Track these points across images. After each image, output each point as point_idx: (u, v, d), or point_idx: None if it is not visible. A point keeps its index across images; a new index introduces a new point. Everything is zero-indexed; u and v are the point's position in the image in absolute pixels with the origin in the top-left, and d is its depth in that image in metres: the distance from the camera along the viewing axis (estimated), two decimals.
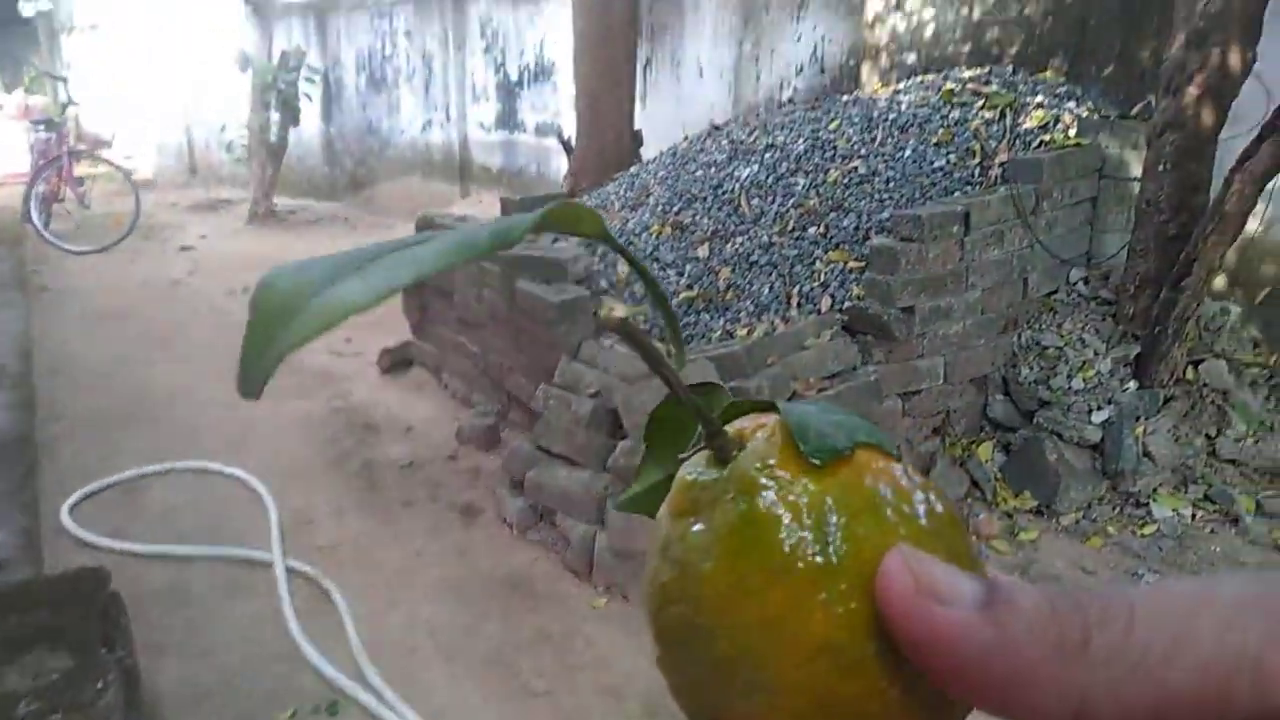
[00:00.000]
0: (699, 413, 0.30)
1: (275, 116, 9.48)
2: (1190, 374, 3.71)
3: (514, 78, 8.04)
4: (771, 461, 0.28)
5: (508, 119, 8.21)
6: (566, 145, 5.77)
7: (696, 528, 0.28)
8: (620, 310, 0.29)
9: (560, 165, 6.28)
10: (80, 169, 9.08)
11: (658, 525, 0.30)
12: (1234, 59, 3.42)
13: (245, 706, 2.48)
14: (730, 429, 0.31)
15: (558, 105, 7.50)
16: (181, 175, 13.05)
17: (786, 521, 0.27)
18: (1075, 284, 4.02)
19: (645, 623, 0.30)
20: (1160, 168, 3.57)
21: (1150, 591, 0.24)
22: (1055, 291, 3.99)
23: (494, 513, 3.43)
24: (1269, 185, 3.36)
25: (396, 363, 4.97)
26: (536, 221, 0.26)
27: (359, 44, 9.96)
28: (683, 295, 3.96)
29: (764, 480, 0.28)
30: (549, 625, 2.79)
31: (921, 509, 0.28)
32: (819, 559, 0.26)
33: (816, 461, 0.28)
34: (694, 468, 0.30)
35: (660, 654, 0.29)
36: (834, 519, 0.27)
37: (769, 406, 0.32)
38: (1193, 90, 3.47)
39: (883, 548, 0.26)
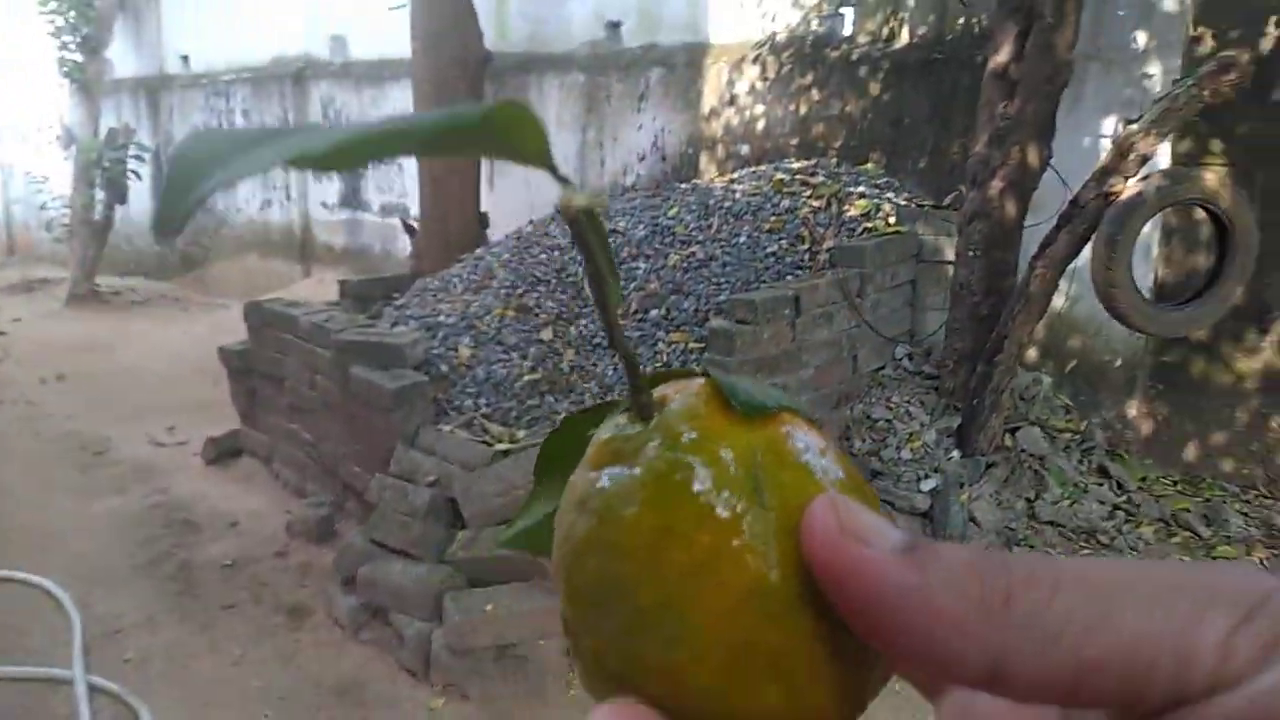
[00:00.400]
0: (628, 360, 0.28)
1: (100, 194, 9.03)
2: (1009, 440, 3.92)
3: None
4: (700, 414, 0.27)
5: (352, 198, 8.08)
6: (410, 228, 5.70)
7: (619, 472, 0.27)
8: (581, 199, 0.26)
9: (406, 244, 6.20)
10: None
11: (571, 486, 0.28)
12: (1032, 155, 3.72)
13: None
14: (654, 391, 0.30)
15: (404, 185, 7.44)
16: None
17: (715, 468, 0.26)
18: (900, 360, 4.21)
19: (555, 586, 0.28)
20: (971, 253, 3.81)
21: (1079, 563, 0.23)
22: (883, 367, 4.17)
23: (324, 613, 3.25)
24: (1071, 266, 3.64)
25: (223, 453, 4.70)
26: (485, 113, 0.23)
27: (193, 121, 9.66)
28: (526, 378, 3.93)
29: (691, 431, 0.27)
30: None
31: (841, 470, 0.27)
32: (747, 504, 0.25)
33: (745, 416, 0.27)
34: (613, 427, 0.29)
35: (571, 615, 0.27)
36: (762, 467, 0.26)
37: (695, 374, 0.31)
38: (997, 184, 3.74)
39: (809, 496, 0.26)
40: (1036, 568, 0.23)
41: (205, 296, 9.37)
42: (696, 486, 0.26)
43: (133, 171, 9.16)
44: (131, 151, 9.11)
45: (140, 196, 9.99)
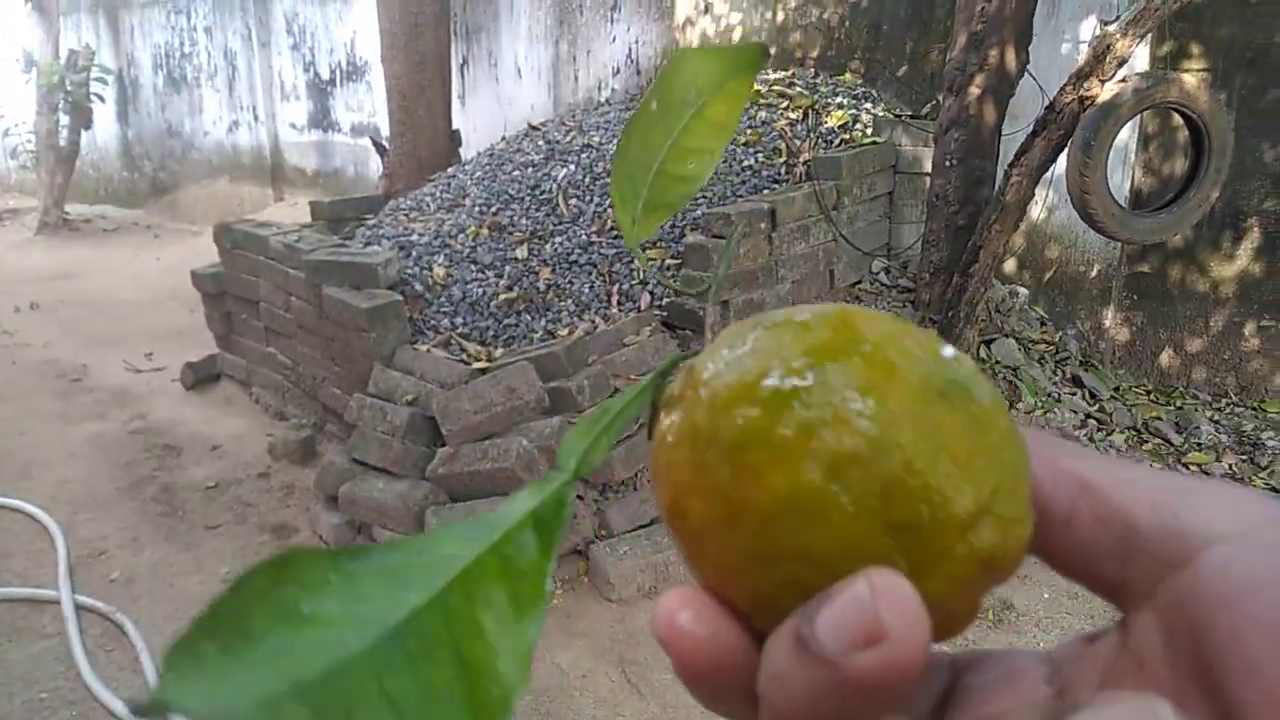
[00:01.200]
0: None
1: (64, 120, 8.80)
2: (984, 353, 3.96)
3: (325, 76, 7.75)
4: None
5: (321, 119, 7.91)
6: (380, 147, 5.60)
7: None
8: None
9: (378, 166, 6.10)
10: None
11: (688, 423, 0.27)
12: (1010, 60, 3.67)
13: None
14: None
15: (373, 105, 7.29)
16: None
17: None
18: (878, 274, 4.22)
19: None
20: (947, 163, 3.79)
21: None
22: (859, 281, 4.17)
23: (309, 531, 3.29)
24: (1048, 175, 3.62)
25: (201, 378, 4.69)
26: None
27: (155, 41, 9.38)
28: (502, 297, 3.91)
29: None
30: None
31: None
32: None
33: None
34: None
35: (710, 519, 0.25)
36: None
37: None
38: (974, 89, 3.70)
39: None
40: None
41: (176, 223, 9.23)
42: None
43: (96, 95, 8.92)
44: (94, 74, 8.86)
45: (106, 119, 9.76)
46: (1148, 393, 4.17)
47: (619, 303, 3.82)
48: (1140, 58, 3.90)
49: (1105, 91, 3.38)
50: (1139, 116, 3.77)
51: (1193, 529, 0.23)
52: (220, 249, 4.56)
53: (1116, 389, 4.12)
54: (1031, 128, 3.57)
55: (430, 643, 0.23)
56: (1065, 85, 3.43)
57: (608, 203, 4.18)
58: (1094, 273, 4.28)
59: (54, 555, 3.13)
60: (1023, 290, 4.22)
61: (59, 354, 5.31)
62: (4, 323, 5.99)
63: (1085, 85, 3.39)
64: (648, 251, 3.95)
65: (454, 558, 0.24)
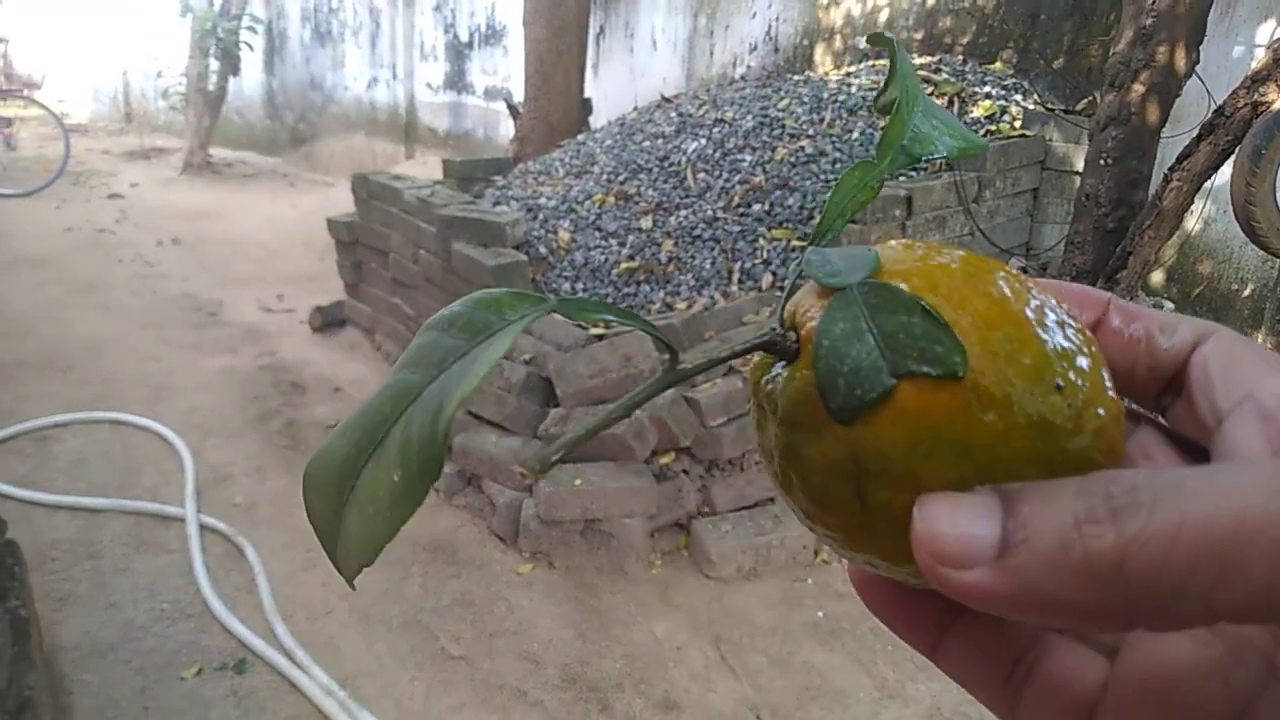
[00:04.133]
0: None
1: (214, 65, 9.19)
2: None
3: (464, 38, 7.88)
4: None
5: (456, 80, 8.05)
6: (514, 110, 5.66)
7: None
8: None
9: (508, 130, 6.18)
10: (8, 109, 8.71)
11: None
12: (1179, 58, 3.46)
13: (149, 662, 2.38)
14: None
15: (508, 69, 7.38)
16: (116, 122, 12.62)
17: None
18: None
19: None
20: (1102, 162, 3.61)
21: (1199, 499, 0.21)
22: None
23: None
24: (1207, 184, 3.41)
25: (328, 322, 4.84)
26: None
27: None
28: (624, 265, 3.91)
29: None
30: (471, 590, 2.74)
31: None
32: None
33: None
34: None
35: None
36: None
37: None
38: (1138, 87, 3.50)
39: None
40: (1155, 513, 0.21)
41: (311, 173, 9.55)
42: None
43: (245, 43, 9.27)
44: (245, 23, 9.21)
45: (253, 68, 10.14)
46: None
47: (740, 280, 3.77)
48: None
49: None
50: None
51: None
52: (356, 198, 4.68)
53: None
54: (1196, 132, 3.36)
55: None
56: (1238, 88, 3.21)
57: (736, 179, 4.13)
58: (1247, 292, 4.03)
59: (182, 476, 3.28)
60: (1169, 304, 4.00)
61: (196, 288, 5.56)
62: (147, 254, 6.30)
63: (1260, 90, 3.17)
64: (773, 231, 3.89)
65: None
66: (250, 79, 10.30)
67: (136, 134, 11.37)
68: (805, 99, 4.43)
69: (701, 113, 4.69)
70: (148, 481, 3.28)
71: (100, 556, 2.83)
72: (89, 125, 12.46)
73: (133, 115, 12.19)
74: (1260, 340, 3.99)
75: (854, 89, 4.40)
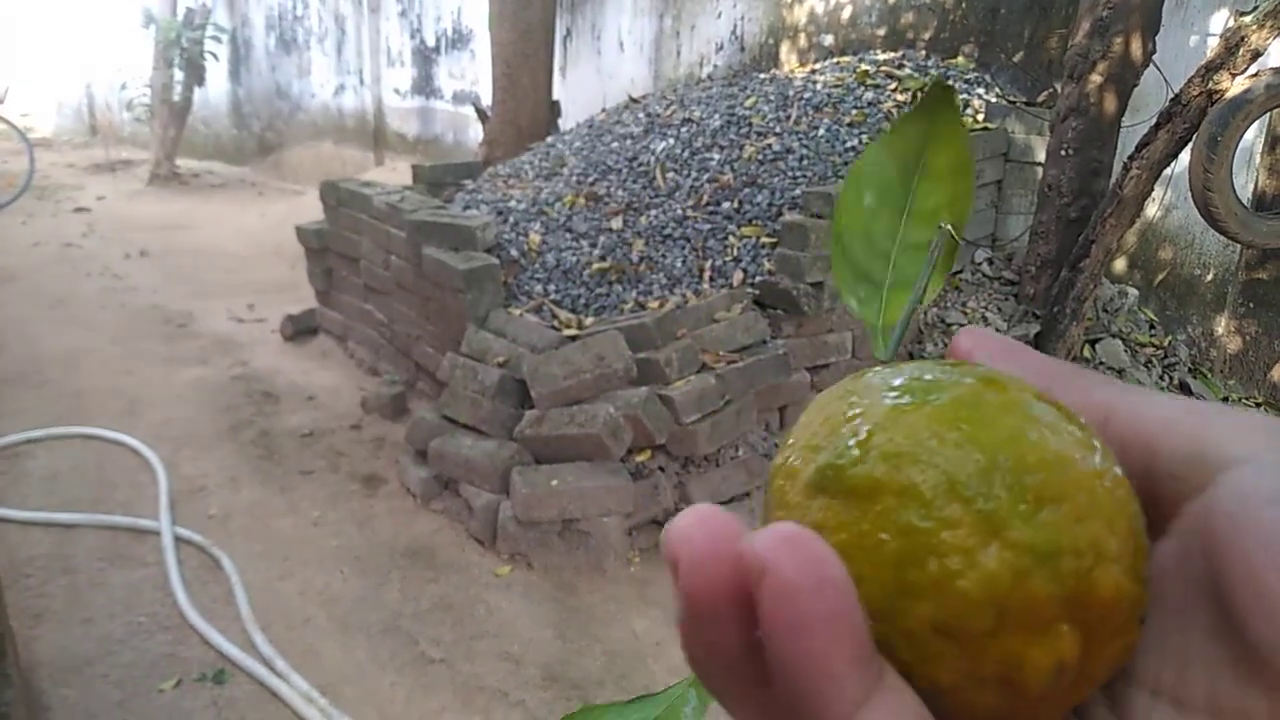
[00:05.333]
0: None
1: (179, 75, 9.12)
2: (1088, 352, 3.83)
3: (430, 43, 7.86)
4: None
5: (424, 85, 8.03)
6: (482, 114, 5.66)
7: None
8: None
9: (477, 134, 6.17)
10: None
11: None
12: (1135, 48, 3.52)
13: (127, 675, 2.37)
14: None
15: (475, 73, 7.37)
16: (81, 135, 12.49)
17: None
18: (980, 264, 4.11)
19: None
20: (1063, 152, 3.66)
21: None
22: (960, 271, 4.07)
23: (397, 483, 3.36)
24: (1166, 172, 3.47)
25: (300, 330, 4.82)
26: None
27: (268, 2, 9.62)
28: (595, 266, 3.92)
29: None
30: (450, 594, 2.74)
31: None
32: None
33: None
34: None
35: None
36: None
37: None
38: (1096, 77, 3.56)
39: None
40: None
41: (280, 181, 9.49)
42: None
43: (210, 53, 9.21)
44: (209, 32, 9.14)
45: (218, 78, 10.06)
46: (1258, 404, 3.98)
47: (711, 278, 3.79)
48: (1275, 53, 3.70)
49: (1235, 86, 3.22)
50: (1267, 116, 3.58)
51: (1213, 451, 0.23)
52: (325, 205, 4.67)
53: (1225, 399, 3.95)
54: (1154, 120, 3.42)
55: None
56: (1193, 77, 3.28)
57: (705, 178, 4.15)
58: (1209, 277, 4.10)
59: (156, 489, 3.26)
60: (1132, 291, 4.07)
61: (166, 300, 5.52)
62: (115, 267, 6.25)
63: (1215, 78, 3.23)
64: (743, 229, 3.92)
65: None
66: (216, 88, 10.23)
67: (102, 146, 11.25)
68: (771, 97, 4.47)
69: (669, 113, 4.71)
70: (122, 495, 3.26)
71: (75, 572, 2.81)
72: (53, 139, 12.32)
73: (98, 128, 12.07)
74: (1223, 324, 4.07)
75: (819, 86, 4.44)
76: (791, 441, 0.26)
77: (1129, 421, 0.25)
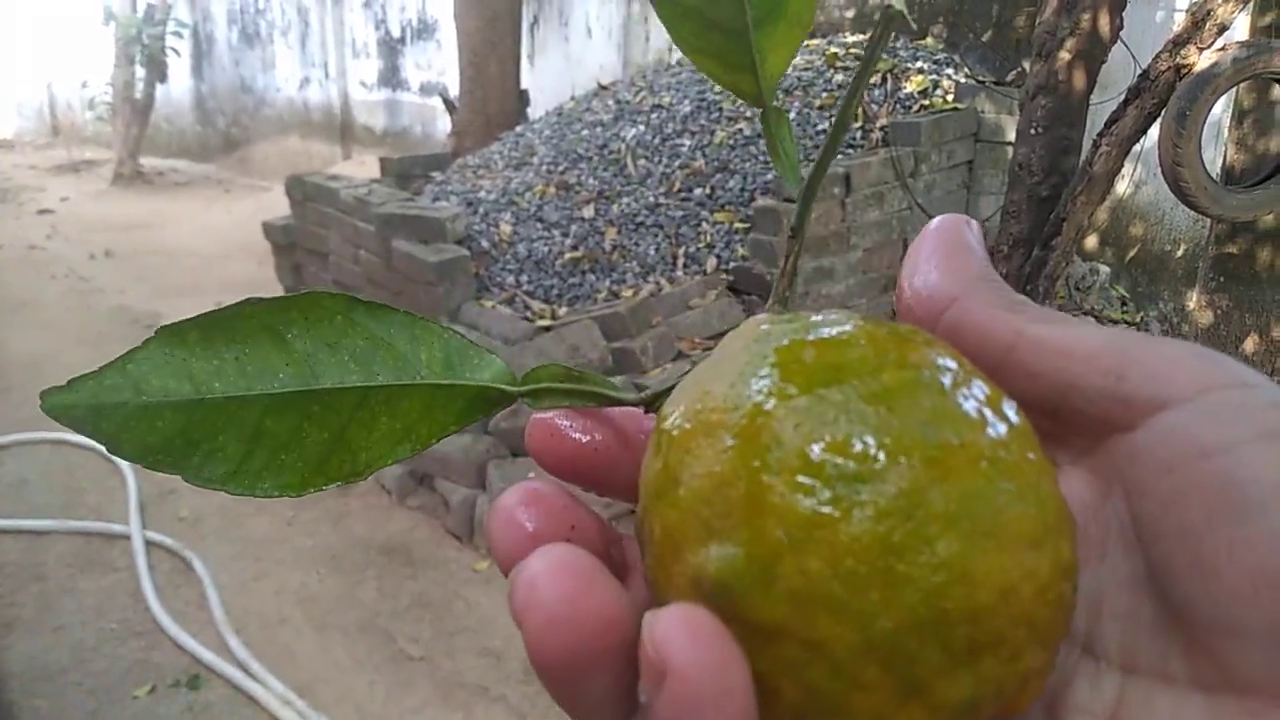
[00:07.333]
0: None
1: (141, 73, 8.97)
2: None
3: (396, 34, 7.77)
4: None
5: (390, 77, 7.94)
6: (450, 104, 5.60)
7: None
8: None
9: (445, 125, 6.10)
10: None
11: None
12: (1103, 24, 3.52)
13: (99, 683, 2.33)
14: None
15: (443, 64, 7.29)
16: (43, 135, 12.28)
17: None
18: None
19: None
20: (1032, 131, 3.66)
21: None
22: None
23: (372, 480, 3.32)
24: (1136, 148, 3.48)
25: None
26: None
27: None
28: (568, 256, 3.89)
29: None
30: (428, 591, 2.71)
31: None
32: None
33: None
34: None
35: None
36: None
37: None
38: (1064, 55, 3.55)
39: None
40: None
41: (247, 178, 9.37)
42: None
43: (171, 48, 9.06)
44: (170, 27, 9.00)
45: (180, 74, 9.92)
46: None
47: (684, 265, 3.77)
48: (1240, 27, 3.72)
49: (1203, 60, 3.23)
50: (1234, 90, 3.59)
51: (1140, 392, 0.22)
52: (292, 201, 4.60)
53: None
54: (1123, 96, 3.42)
55: (331, 412, 0.26)
56: (1161, 52, 3.28)
57: (676, 164, 4.12)
58: (1180, 252, 4.12)
59: (125, 493, 3.21)
60: (1104, 268, 4.08)
61: (132, 301, 5.43)
62: (80, 269, 6.14)
63: (1182, 53, 3.23)
64: (716, 215, 3.90)
65: (417, 372, 0.27)
66: (178, 85, 10.07)
67: (64, 147, 11.06)
68: None
69: (639, 99, 4.68)
70: (91, 500, 3.20)
71: (45, 579, 2.76)
72: (14, 140, 12.11)
73: (59, 128, 11.86)
74: (1194, 299, 4.10)
75: (789, 69, 4.41)
76: (678, 423, 0.23)
77: (1038, 351, 0.23)
